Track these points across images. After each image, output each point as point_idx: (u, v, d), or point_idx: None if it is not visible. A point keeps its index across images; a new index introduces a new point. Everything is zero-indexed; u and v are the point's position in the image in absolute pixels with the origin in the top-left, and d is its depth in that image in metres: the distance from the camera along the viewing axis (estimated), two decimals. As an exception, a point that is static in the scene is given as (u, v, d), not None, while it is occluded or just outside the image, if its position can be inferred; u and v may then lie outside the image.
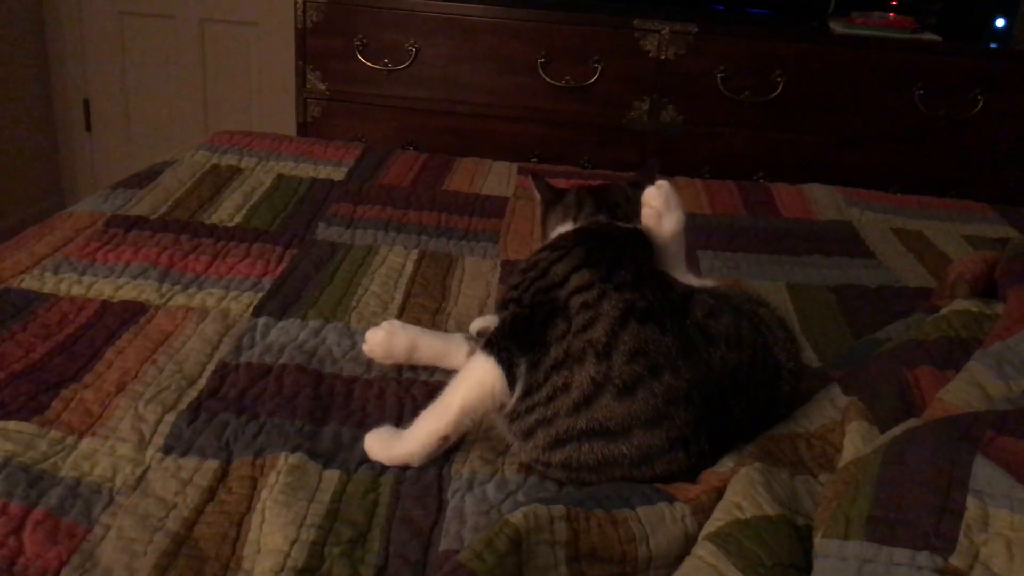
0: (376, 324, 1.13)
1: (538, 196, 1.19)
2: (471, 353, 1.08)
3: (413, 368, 1.13)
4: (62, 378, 1.04)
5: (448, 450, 0.97)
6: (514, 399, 0.92)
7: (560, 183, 1.86)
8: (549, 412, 0.89)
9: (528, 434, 0.91)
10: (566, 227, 1.10)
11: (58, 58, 3.35)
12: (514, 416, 0.92)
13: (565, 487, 0.92)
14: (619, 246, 1.02)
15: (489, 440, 0.99)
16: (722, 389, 0.89)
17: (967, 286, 1.20)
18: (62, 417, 0.97)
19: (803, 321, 1.33)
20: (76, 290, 1.25)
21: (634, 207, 1.10)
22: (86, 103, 3.40)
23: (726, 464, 0.88)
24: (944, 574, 0.63)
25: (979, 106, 2.34)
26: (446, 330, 1.23)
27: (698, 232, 1.66)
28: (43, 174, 3.41)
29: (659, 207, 1.09)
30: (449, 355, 1.11)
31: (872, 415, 0.91)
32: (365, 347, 1.12)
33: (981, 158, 2.42)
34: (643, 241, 1.06)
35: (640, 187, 1.13)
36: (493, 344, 0.94)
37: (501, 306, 1.01)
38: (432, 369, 1.13)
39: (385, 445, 0.95)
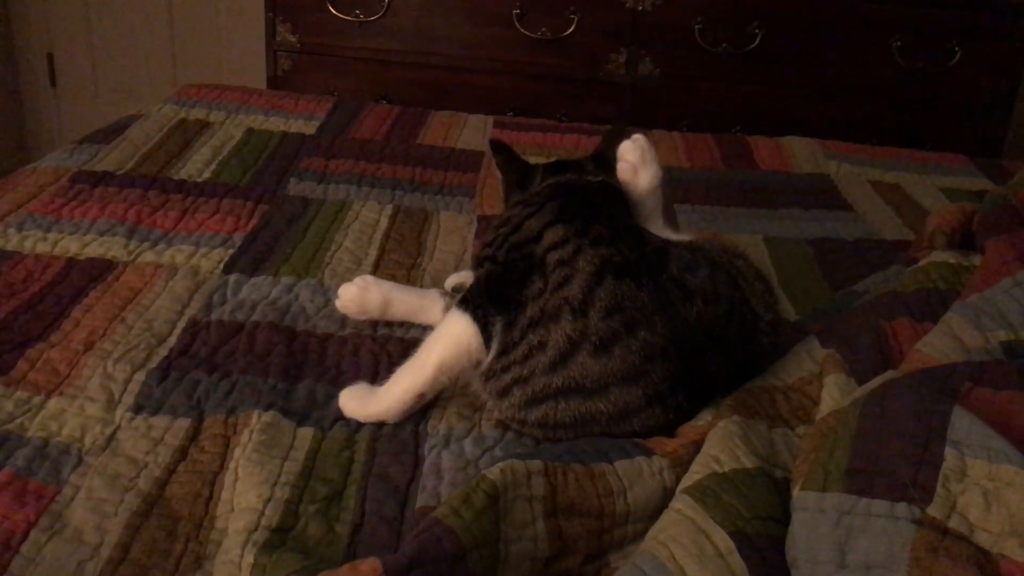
0: (350, 280, 1.11)
1: (499, 174, 1.15)
2: (446, 309, 1.07)
3: (388, 324, 1.11)
4: (28, 337, 1.02)
5: (425, 406, 0.96)
6: (490, 358, 0.91)
7: (536, 138, 1.85)
8: (525, 371, 0.88)
9: (504, 393, 0.90)
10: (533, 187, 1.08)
11: (20, 11, 3.25)
12: (490, 374, 0.91)
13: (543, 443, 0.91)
14: (592, 200, 1.00)
15: (466, 396, 0.98)
16: (699, 344, 0.89)
17: (945, 238, 1.20)
18: (28, 377, 0.95)
19: (781, 274, 1.33)
20: (41, 247, 1.22)
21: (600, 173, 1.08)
22: (50, 57, 3.31)
23: (704, 417, 0.88)
24: (922, 524, 0.63)
25: (957, 57, 2.33)
26: (421, 286, 1.21)
27: (676, 186, 1.65)
28: (7, 132, 3.33)
29: (634, 161, 1.07)
30: (423, 310, 1.10)
31: (850, 367, 0.91)
32: (338, 303, 1.11)
33: (959, 110, 2.41)
34: (616, 194, 1.04)
35: (604, 153, 1.12)
36: (469, 302, 0.93)
37: (476, 263, 0.99)
38: (407, 325, 1.11)
39: (360, 402, 0.94)
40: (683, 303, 0.88)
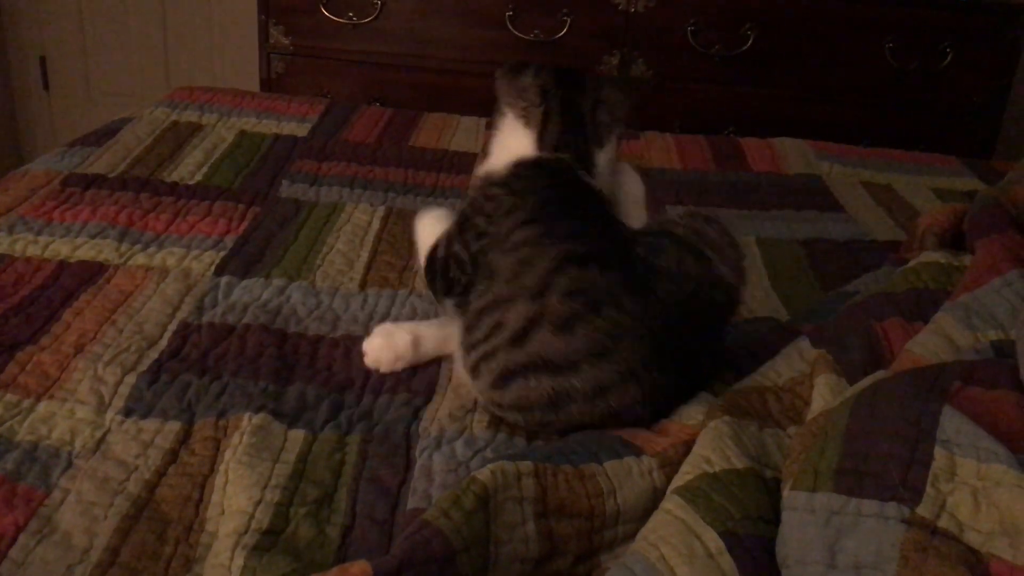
0: (342, 284, 1.11)
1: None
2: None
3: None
4: (18, 340, 1.01)
5: (416, 408, 0.96)
6: (459, 333, 0.95)
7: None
8: (488, 347, 0.90)
9: (475, 371, 0.92)
10: (526, 142, 1.05)
11: (12, 13, 3.24)
12: (464, 350, 0.94)
13: (533, 442, 0.91)
14: (575, 204, 0.99)
15: (458, 398, 0.97)
16: (669, 321, 0.90)
17: (935, 238, 1.20)
18: (18, 380, 0.95)
19: (773, 275, 1.33)
20: (32, 250, 1.22)
21: (602, 119, 1.06)
22: (42, 60, 3.30)
23: (694, 417, 0.88)
24: (911, 524, 0.63)
25: (948, 59, 2.34)
26: (413, 288, 1.21)
27: (668, 187, 1.65)
28: (0, 136, 3.32)
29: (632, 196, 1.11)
30: (450, 339, 1.04)
31: (840, 368, 0.91)
32: (368, 360, 1.04)
33: (950, 111, 2.42)
34: (601, 199, 1.02)
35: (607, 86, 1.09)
36: (432, 261, 1.04)
37: (458, 222, 1.03)
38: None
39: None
40: (652, 284, 0.90)
